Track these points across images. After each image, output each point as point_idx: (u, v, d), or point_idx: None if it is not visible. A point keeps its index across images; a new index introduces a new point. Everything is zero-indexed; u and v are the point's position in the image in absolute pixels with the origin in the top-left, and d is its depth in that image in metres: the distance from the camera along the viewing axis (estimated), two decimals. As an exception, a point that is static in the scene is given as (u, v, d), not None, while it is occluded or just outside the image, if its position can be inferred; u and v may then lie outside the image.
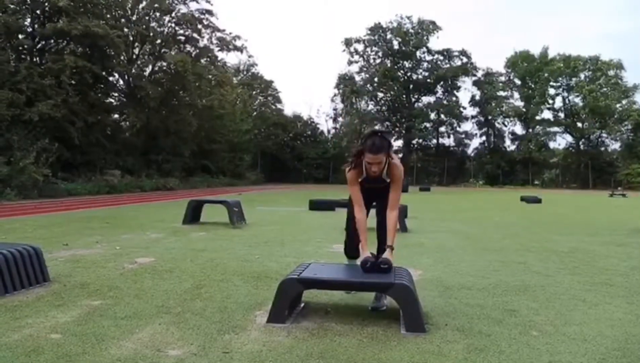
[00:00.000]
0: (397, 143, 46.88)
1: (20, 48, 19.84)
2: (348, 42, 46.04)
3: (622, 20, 72.27)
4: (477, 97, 45.44)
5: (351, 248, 3.70)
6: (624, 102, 40.21)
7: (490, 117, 44.62)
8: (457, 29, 73.00)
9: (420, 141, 46.14)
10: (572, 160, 42.48)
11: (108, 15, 22.77)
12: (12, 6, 18.73)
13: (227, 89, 30.41)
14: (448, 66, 45.13)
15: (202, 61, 28.03)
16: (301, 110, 72.42)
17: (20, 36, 19.52)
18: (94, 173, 20.07)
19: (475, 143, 46.18)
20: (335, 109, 46.52)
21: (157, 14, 25.73)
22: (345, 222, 3.83)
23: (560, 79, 42.45)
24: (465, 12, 72.64)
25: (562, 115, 43.20)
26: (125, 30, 23.93)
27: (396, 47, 45.20)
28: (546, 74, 42.08)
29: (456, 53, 45.26)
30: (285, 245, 6.43)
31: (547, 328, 3.09)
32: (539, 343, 2.82)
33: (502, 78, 45.59)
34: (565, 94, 42.94)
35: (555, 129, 43.01)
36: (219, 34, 28.94)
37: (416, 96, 46.96)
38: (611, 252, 6.31)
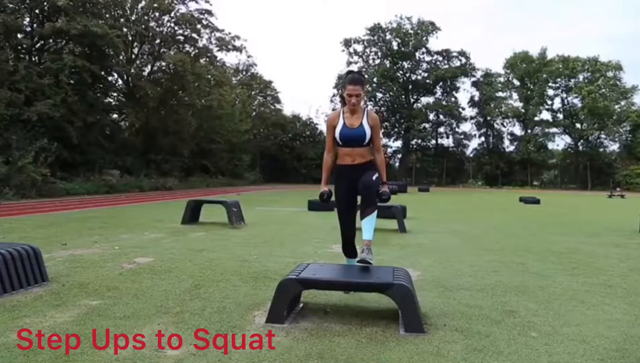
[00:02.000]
0: (397, 144, 46.90)
1: (19, 47, 19.81)
2: (347, 43, 46.05)
3: (621, 22, 72.35)
4: (476, 98, 45.47)
5: (347, 247, 3.88)
6: (622, 103, 40.26)
7: (489, 118, 44.64)
8: (456, 30, 73.04)
9: (419, 141, 46.13)
10: (571, 161, 42.52)
11: (107, 15, 22.73)
12: (11, 5, 18.68)
13: (226, 89, 30.37)
14: (447, 66, 45.13)
15: (201, 60, 27.99)
16: (300, 110, 72.51)
17: (19, 35, 19.48)
18: (93, 172, 20.03)
19: (474, 143, 46.22)
20: (334, 110, 46.42)
21: (156, 14, 25.69)
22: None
23: (559, 80, 42.48)
24: (464, 12, 72.69)
25: (560, 116, 43.23)
26: (125, 30, 23.88)
27: (395, 47, 45.20)
28: (545, 75, 42.11)
29: (455, 54, 45.29)
30: (284, 245, 6.43)
31: (545, 329, 3.10)
32: (537, 344, 2.82)
33: (501, 79, 45.61)
34: (564, 95, 42.99)
35: (554, 130, 43.04)
36: (218, 34, 28.93)
37: (415, 97, 46.97)
38: (610, 253, 6.32)
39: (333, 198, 3.81)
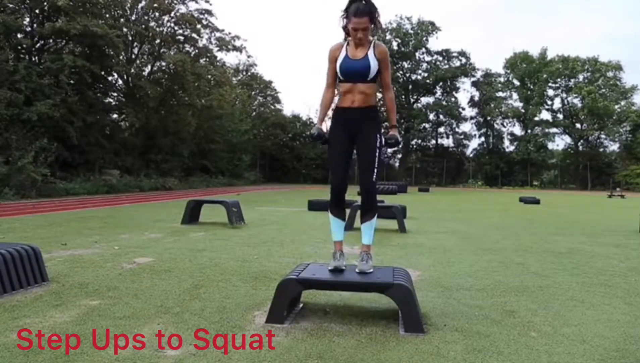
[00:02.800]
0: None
1: (19, 47, 19.79)
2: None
3: (621, 22, 72.37)
4: (476, 98, 45.48)
5: (335, 202, 3.44)
6: (622, 103, 40.25)
7: (489, 118, 44.64)
8: (456, 30, 73.06)
9: (419, 141, 46.15)
10: (571, 161, 42.52)
11: (107, 15, 22.73)
12: (11, 5, 18.68)
13: (226, 89, 30.36)
14: (447, 66, 45.13)
15: (201, 60, 27.98)
16: (300, 110, 72.50)
17: (19, 35, 19.46)
18: (93, 172, 20.03)
19: (474, 143, 46.21)
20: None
21: (156, 14, 25.69)
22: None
23: (559, 80, 42.48)
24: (464, 12, 72.72)
25: (560, 116, 43.23)
26: (124, 29, 23.87)
27: (395, 47, 45.19)
28: (545, 75, 42.10)
29: (455, 54, 45.29)
30: (284, 245, 6.43)
31: (545, 329, 3.10)
32: (537, 344, 2.82)
33: (501, 79, 45.61)
34: (564, 95, 42.98)
35: (554, 130, 43.02)
36: (218, 34, 28.92)
37: (415, 97, 46.98)
38: (610, 253, 6.32)
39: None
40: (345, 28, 3.29)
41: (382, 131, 3.46)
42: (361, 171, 3.32)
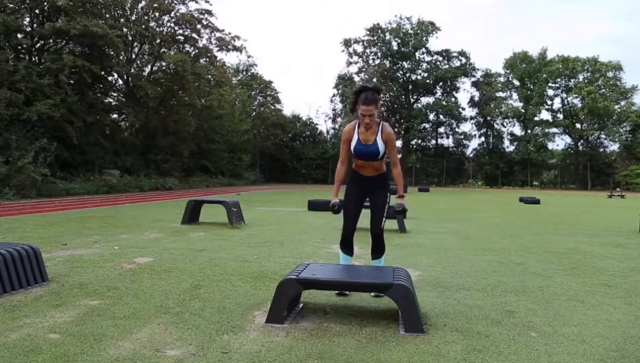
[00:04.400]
0: (397, 144, 46.83)
1: (19, 47, 19.79)
2: (347, 43, 46.04)
3: (620, 22, 72.38)
4: (476, 98, 45.47)
5: (345, 242, 3.99)
6: (622, 103, 40.22)
7: (489, 118, 44.63)
8: (456, 30, 73.09)
9: (419, 141, 46.12)
10: (571, 161, 42.49)
11: (107, 15, 22.72)
12: (11, 5, 18.68)
13: (226, 89, 30.35)
14: (447, 66, 45.10)
15: (201, 61, 27.97)
16: (300, 110, 72.52)
17: (19, 35, 19.47)
18: (93, 172, 20.02)
19: (474, 143, 46.18)
20: (334, 110, 46.37)
21: (156, 14, 25.68)
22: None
23: (558, 80, 42.45)
24: (464, 12, 72.72)
25: (560, 116, 43.21)
26: (124, 30, 23.86)
27: (395, 47, 45.18)
28: (545, 75, 42.07)
29: (455, 54, 45.26)
30: (284, 246, 6.43)
31: (545, 329, 3.10)
32: (537, 344, 2.82)
33: (501, 79, 45.57)
34: (564, 95, 42.95)
35: (554, 130, 42.99)
36: (218, 34, 28.91)
37: (415, 97, 46.95)
38: (610, 253, 6.32)
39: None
40: (353, 109, 3.76)
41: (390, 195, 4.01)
42: (374, 220, 3.90)
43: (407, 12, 61.87)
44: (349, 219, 3.94)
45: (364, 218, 4.13)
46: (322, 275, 3.28)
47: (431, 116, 45.80)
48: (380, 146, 3.70)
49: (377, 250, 3.97)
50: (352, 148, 3.77)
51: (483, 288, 4.16)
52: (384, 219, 3.87)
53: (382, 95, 3.78)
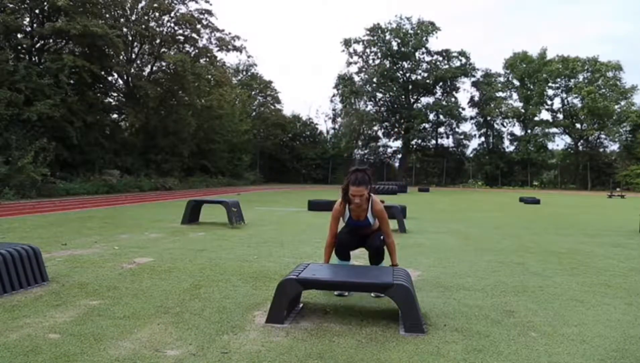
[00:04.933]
0: (396, 144, 46.86)
1: (19, 47, 19.78)
2: (347, 43, 46.03)
3: (620, 22, 72.38)
4: (476, 98, 45.45)
5: (341, 250, 4.03)
6: (622, 103, 40.19)
7: (489, 118, 44.61)
8: (456, 30, 73.07)
9: (419, 141, 46.09)
10: (571, 161, 42.47)
11: (107, 15, 22.72)
12: (10, 5, 18.67)
13: (226, 89, 30.34)
14: (447, 66, 45.08)
15: (201, 61, 27.96)
16: (300, 110, 72.50)
17: (19, 35, 19.46)
18: (93, 172, 20.01)
19: (474, 143, 46.16)
20: (334, 110, 46.40)
21: (156, 14, 25.67)
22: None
23: (558, 80, 42.43)
24: (464, 12, 72.71)
25: (560, 116, 43.19)
26: (124, 29, 23.86)
27: (395, 47, 45.15)
28: (545, 75, 42.06)
29: (455, 54, 45.24)
30: (284, 245, 6.43)
31: (545, 329, 3.10)
32: (537, 344, 2.82)
33: (501, 79, 45.54)
34: (564, 95, 42.93)
35: (554, 130, 42.97)
36: (218, 34, 28.90)
37: (415, 97, 46.94)
38: (610, 253, 6.32)
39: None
40: (345, 191, 3.87)
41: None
42: (372, 243, 3.99)
43: (407, 12, 61.83)
44: (343, 240, 4.01)
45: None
46: (322, 275, 3.28)
47: (431, 116, 45.79)
48: (372, 220, 3.91)
49: (377, 257, 4.03)
50: (344, 222, 4.00)
51: (483, 288, 4.16)
52: (381, 236, 3.96)
53: (370, 180, 3.90)
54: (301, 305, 3.49)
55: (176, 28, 26.70)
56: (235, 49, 30.07)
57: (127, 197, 17.20)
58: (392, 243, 3.97)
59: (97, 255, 5.42)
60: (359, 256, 5.32)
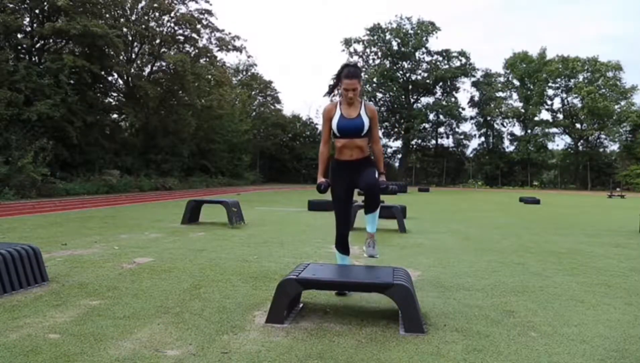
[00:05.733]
0: (397, 144, 46.91)
1: (19, 47, 19.79)
2: (347, 43, 46.10)
3: (620, 22, 72.38)
4: (476, 98, 45.50)
5: (340, 243, 3.89)
6: (622, 103, 40.25)
7: (489, 118, 44.65)
8: (456, 30, 73.10)
9: (419, 141, 46.17)
10: (571, 161, 42.52)
11: (107, 15, 22.72)
12: (10, 5, 18.68)
13: (226, 89, 30.36)
14: (447, 66, 45.14)
15: (201, 61, 27.98)
16: (300, 110, 72.55)
17: (19, 35, 19.47)
18: (93, 172, 20.02)
19: (474, 143, 46.26)
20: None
21: (156, 14, 25.68)
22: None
23: (558, 80, 42.48)
24: (464, 12, 72.72)
25: (560, 116, 43.24)
26: (124, 29, 23.87)
27: (395, 47, 45.22)
28: (545, 75, 42.10)
29: (455, 54, 45.30)
30: (284, 245, 6.43)
31: (545, 329, 3.09)
32: (537, 344, 2.82)
33: (501, 79, 45.61)
34: (564, 95, 43.00)
35: (554, 130, 43.04)
36: (218, 34, 28.92)
37: (415, 97, 46.99)
38: (610, 253, 6.32)
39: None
40: (332, 89, 3.80)
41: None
42: (364, 179, 3.59)
43: (407, 12, 61.93)
44: (341, 221, 3.79)
45: (360, 217, 4.12)
46: (322, 275, 3.28)
47: (431, 116, 45.84)
48: (365, 120, 3.56)
49: (372, 202, 3.67)
50: (334, 124, 3.59)
51: (483, 288, 4.16)
52: (375, 172, 3.60)
53: (361, 75, 3.68)
54: (301, 305, 3.49)
55: (176, 28, 26.71)
56: (235, 49, 30.10)
57: (127, 197, 17.20)
58: (379, 150, 3.76)
59: (97, 255, 5.42)
60: (359, 256, 5.32)
